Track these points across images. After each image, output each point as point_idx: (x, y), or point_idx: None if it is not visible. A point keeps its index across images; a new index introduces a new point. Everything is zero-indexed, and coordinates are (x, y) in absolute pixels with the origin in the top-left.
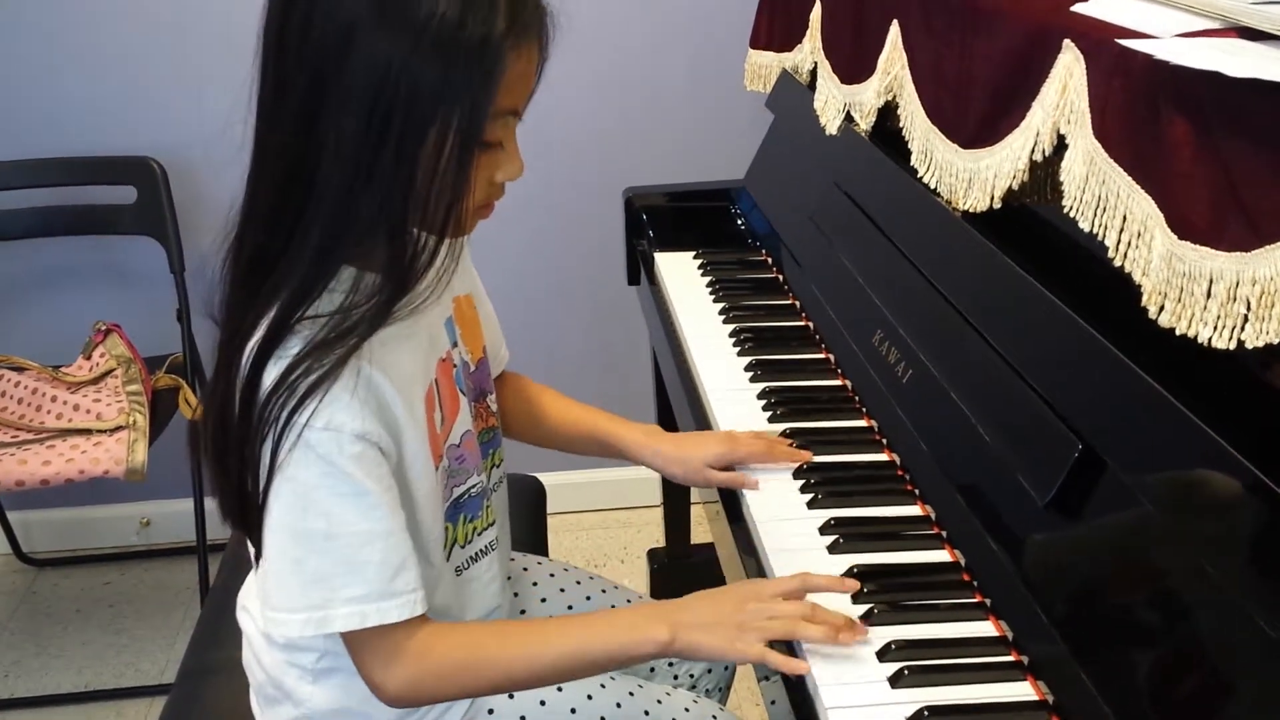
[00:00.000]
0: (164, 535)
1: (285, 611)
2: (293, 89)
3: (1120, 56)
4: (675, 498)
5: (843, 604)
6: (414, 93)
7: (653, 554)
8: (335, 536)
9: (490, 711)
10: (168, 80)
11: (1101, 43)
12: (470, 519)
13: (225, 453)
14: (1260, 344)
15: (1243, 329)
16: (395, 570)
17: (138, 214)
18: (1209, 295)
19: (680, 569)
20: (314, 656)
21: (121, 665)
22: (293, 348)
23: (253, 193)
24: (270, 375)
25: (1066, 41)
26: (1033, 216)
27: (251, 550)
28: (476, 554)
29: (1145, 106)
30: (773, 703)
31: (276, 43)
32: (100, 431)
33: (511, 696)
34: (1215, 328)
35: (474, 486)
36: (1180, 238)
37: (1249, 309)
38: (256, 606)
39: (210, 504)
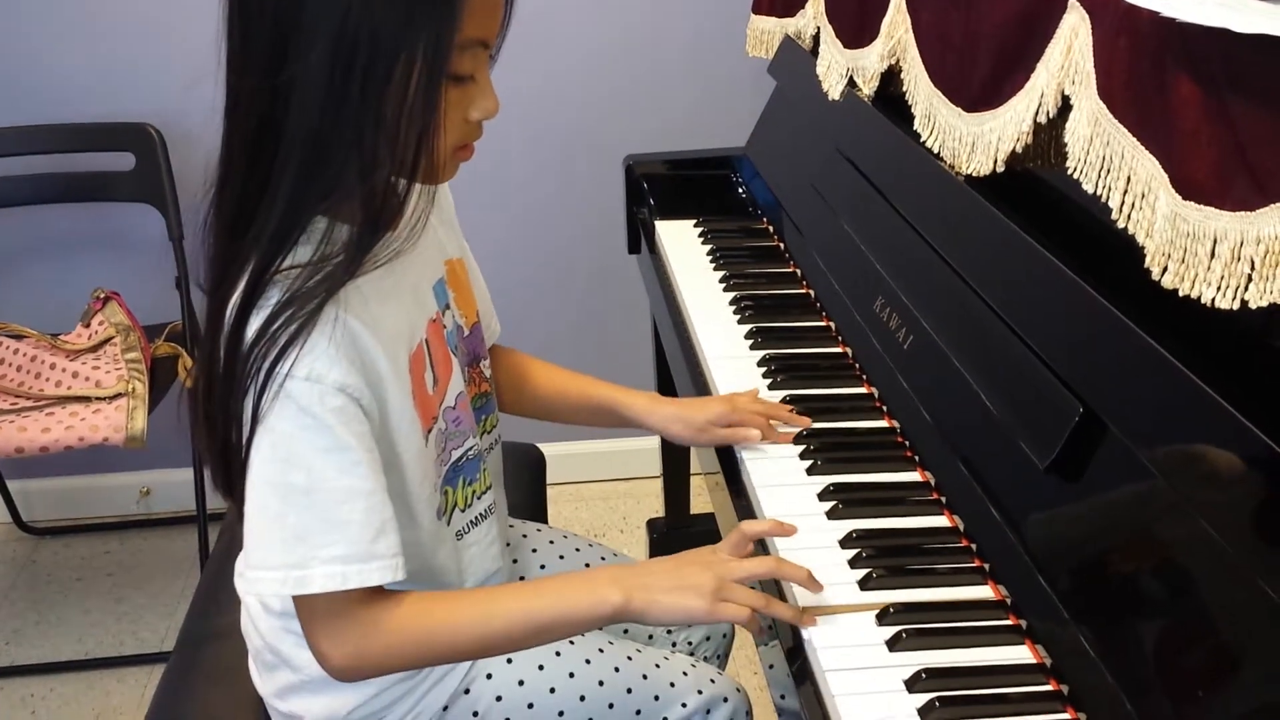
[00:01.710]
0: (164, 504)
1: (262, 569)
2: (257, 36)
3: (1126, 15)
4: (675, 468)
5: (842, 568)
6: (376, 26)
7: (652, 524)
8: (315, 491)
9: (488, 676)
10: (166, 46)
11: (1107, 2)
12: (469, 482)
13: (210, 411)
14: (1264, 304)
15: (1246, 289)
16: (377, 531)
17: (136, 181)
18: (1213, 255)
19: (679, 538)
20: None
21: (122, 633)
22: (272, 298)
23: (228, 146)
24: (252, 327)
25: (1072, 1)
26: (1035, 180)
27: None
28: (476, 518)
29: (1151, 65)
30: (771, 666)
31: None
32: (100, 399)
33: (510, 660)
34: (1219, 288)
35: (471, 449)
36: (1184, 198)
37: (1253, 269)
38: None
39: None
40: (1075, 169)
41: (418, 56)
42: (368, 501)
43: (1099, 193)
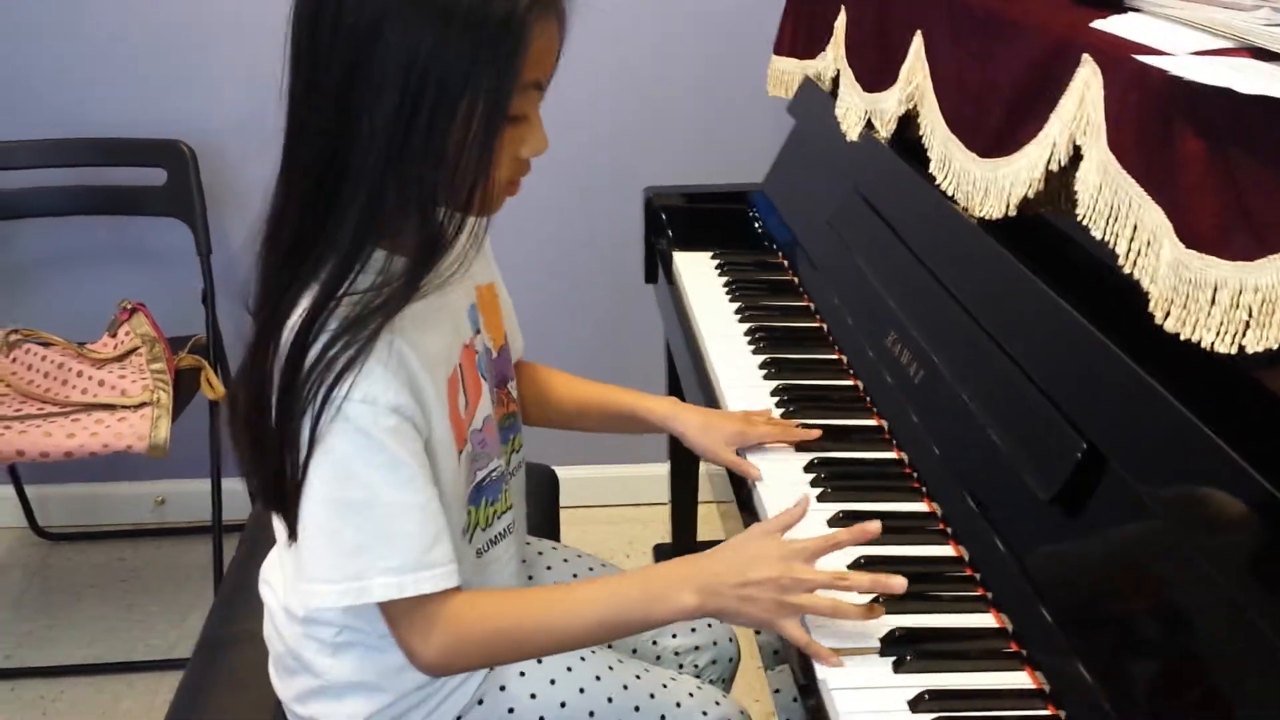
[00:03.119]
0: (178, 514)
1: (323, 583)
2: (325, 78)
3: (1137, 72)
4: (683, 495)
5: (850, 595)
6: (444, 73)
7: (659, 549)
8: (372, 507)
9: (502, 688)
10: (199, 65)
11: (1119, 58)
12: (491, 502)
13: (263, 432)
14: (1260, 349)
15: (1244, 335)
16: (431, 542)
17: (166, 196)
18: (1213, 302)
19: None
20: (333, 630)
21: (132, 639)
22: (330, 326)
23: (288, 176)
24: (311, 353)
25: (1085, 56)
26: (1045, 224)
27: (280, 530)
28: (495, 537)
29: (1159, 120)
30: (777, 691)
31: (309, 33)
32: (124, 407)
33: (523, 674)
34: (1218, 333)
35: (494, 470)
36: (1187, 247)
37: (1250, 316)
38: (279, 580)
39: (229, 484)
40: (1084, 216)
41: (480, 98)
42: (422, 514)
43: (1106, 239)
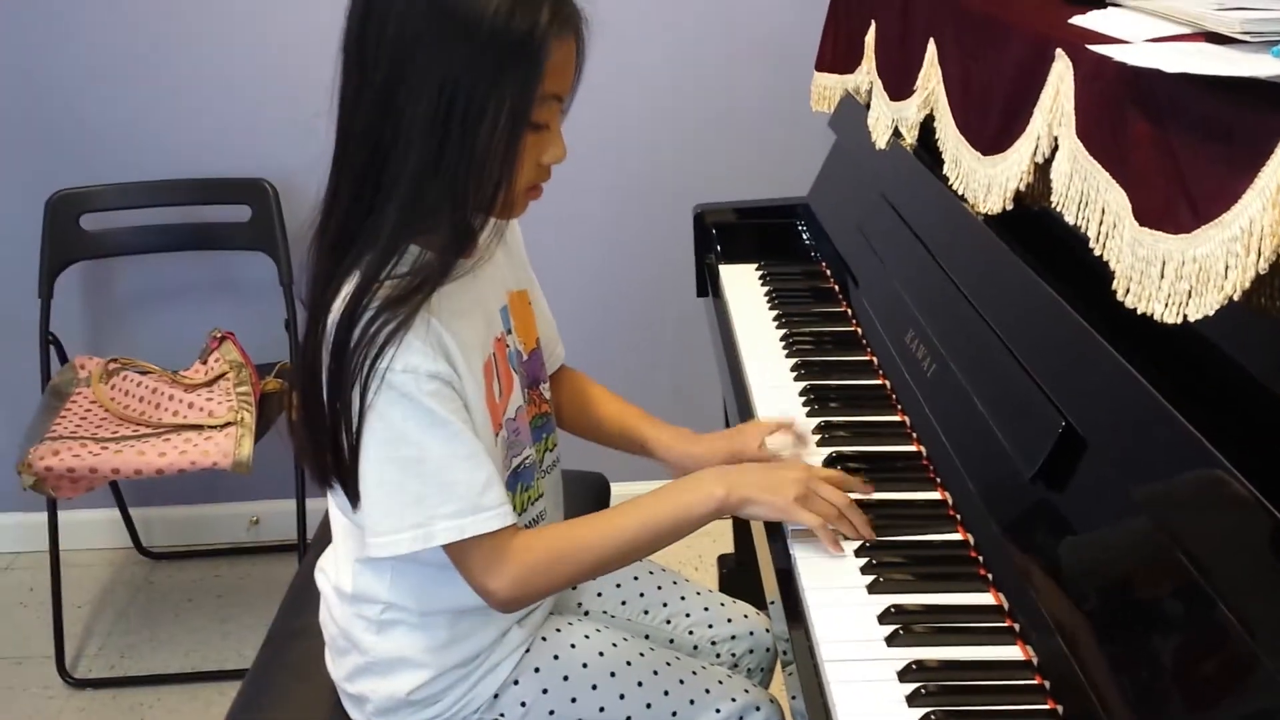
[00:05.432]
0: (271, 533)
1: (391, 534)
2: (370, 88)
3: (1097, 62)
4: None
5: (853, 574)
6: (472, 83)
7: (722, 559)
8: (424, 461)
9: (536, 670)
10: (279, 108)
11: (1084, 50)
12: (525, 488)
13: (317, 408)
14: (1199, 317)
15: (1187, 304)
16: (483, 487)
17: (251, 231)
18: (1162, 276)
19: (749, 573)
20: (379, 608)
21: (226, 650)
22: (372, 306)
23: (336, 178)
24: (355, 332)
25: (1059, 50)
26: (1054, 219)
27: (335, 515)
28: (530, 523)
29: (1115, 106)
30: (794, 698)
31: (356, 50)
32: (211, 427)
33: (557, 657)
34: (1165, 304)
35: (527, 458)
36: (1141, 225)
37: (1191, 286)
38: (331, 566)
39: (313, 504)
40: (1058, 203)
41: (505, 107)
42: (469, 463)
43: (1079, 224)
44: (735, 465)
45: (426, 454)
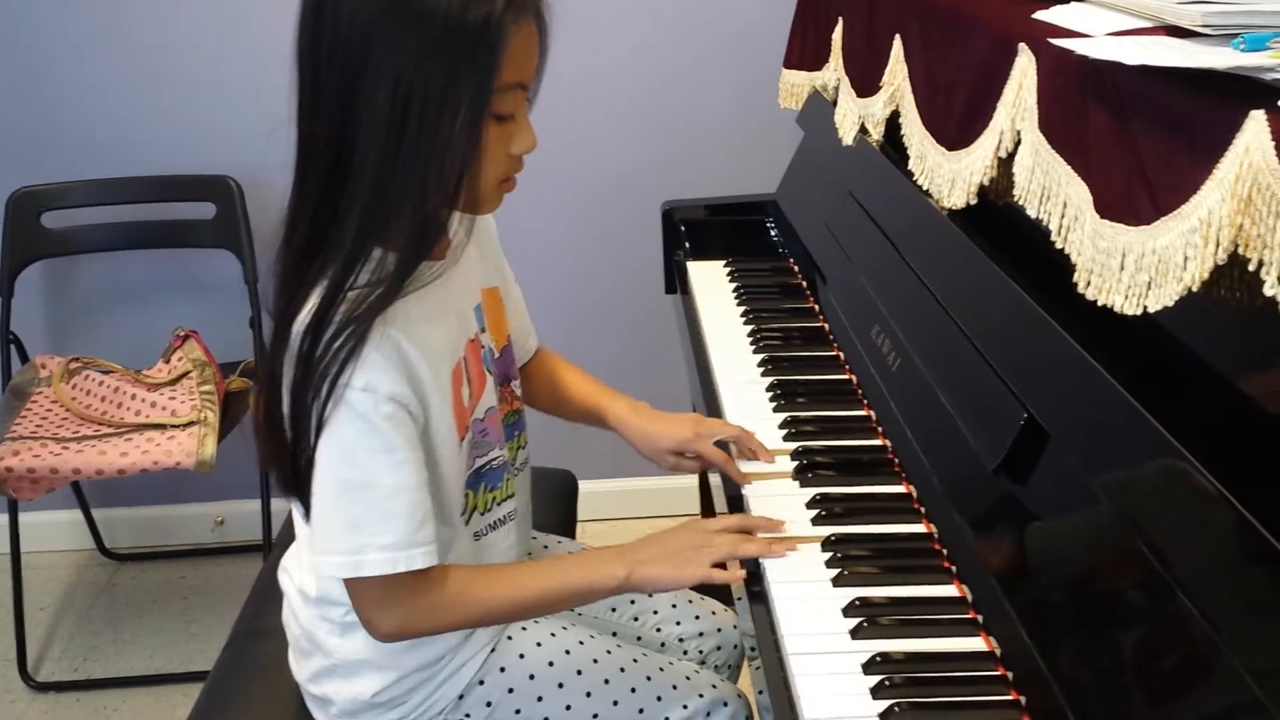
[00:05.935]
0: (236, 534)
1: (328, 554)
2: (326, 90)
3: (1059, 56)
4: (711, 504)
5: (818, 567)
6: (428, 75)
7: None
8: (369, 486)
9: (502, 669)
10: (243, 104)
11: (1047, 44)
12: (490, 489)
13: (278, 419)
14: (1158, 308)
15: (1147, 296)
16: (420, 523)
17: (216, 228)
18: (1122, 268)
19: None
20: (342, 610)
21: (192, 652)
22: (335, 319)
23: (300, 184)
24: (319, 346)
25: (1022, 45)
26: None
27: (299, 518)
28: (495, 522)
29: (1077, 100)
30: (761, 692)
31: (310, 54)
32: (174, 426)
33: (523, 656)
34: (1125, 296)
35: (495, 460)
36: (1102, 218)
37: (1150, 277)
38: (295, 566)
39: (277, 505)
40: (1020, 197)
41: (464, 98)
42: (413, 496)
43: (1040, 217)
44: (636, 542)
45: (371, 479)
